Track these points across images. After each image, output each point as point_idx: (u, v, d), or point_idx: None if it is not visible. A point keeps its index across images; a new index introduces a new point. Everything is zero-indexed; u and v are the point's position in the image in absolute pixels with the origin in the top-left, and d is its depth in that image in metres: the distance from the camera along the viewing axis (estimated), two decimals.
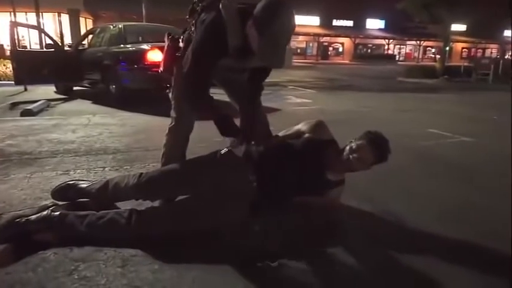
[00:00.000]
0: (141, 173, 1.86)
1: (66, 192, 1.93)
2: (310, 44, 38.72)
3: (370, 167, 1.87)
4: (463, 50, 42.74)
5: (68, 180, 2.06)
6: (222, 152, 1.86)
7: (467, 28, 34.90)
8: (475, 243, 1.79)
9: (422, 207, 2.21)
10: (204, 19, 1.72)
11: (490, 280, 1.51)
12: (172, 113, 2.03)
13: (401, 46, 42.79)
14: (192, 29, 1.85)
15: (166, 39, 2.06)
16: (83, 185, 1.95)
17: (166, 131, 2.08)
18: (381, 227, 1.96)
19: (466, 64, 16.97)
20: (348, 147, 1.87)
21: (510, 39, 30.17)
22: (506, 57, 29.46)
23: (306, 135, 2.01)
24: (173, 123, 2.04)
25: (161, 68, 2.07)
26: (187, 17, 1.91)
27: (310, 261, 1.58)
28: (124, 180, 1.85)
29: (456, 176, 2.84)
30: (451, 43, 23.00)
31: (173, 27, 6.41)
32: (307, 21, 35.64)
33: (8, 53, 10.86)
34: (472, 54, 40.68)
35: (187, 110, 1.95)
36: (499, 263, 1.64)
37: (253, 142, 1.93)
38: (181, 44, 1.96)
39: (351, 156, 1.82)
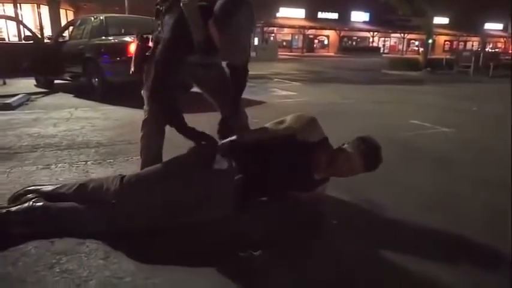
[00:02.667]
0: (122, 177, 1.72)
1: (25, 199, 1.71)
2: (296, 37, 38.72)
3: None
4: (446, 42, 43.46)
5: (26, 186, 1.88)
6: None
7: (449, 21, 35.50)
8: (455, 233, 1.83)
9: (402, 197, 2.27)
10: (169, 20, 1.76)
11: (472, 268, 1.56)
12: (145, 107, 2.06)
13: (386, 39, 43.22)
14: (159, 29, 1.89)
15: (135, 39, 2.09)
16: (47, 188, 1.79)
17: (141, 126, 2.09)
18: (362, 218, 2.00)
19: (448, 57, 17.28)
20: (341, 153, 1.82)
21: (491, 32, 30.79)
22: (486, 49, 30.11)
23: (298, 134, 1.93)
24: (147, 116, 2.06)
25: (132, 68, 2.08)
26: (153, 18, 1.95)
27: (293, 251, 1.61)
28: (103, 185, 1.70)
29: (436, 166, 2.92)
30: (434, 36, 23.31)
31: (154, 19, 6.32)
32: (292, 14, 35.66)
33: None
34: (454, 47, 41.40)
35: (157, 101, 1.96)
36: (481, 252, 1.69)
37: (235, 137, 1.95)
38: (150, 44, 2.00)
39: (343, 168, 1.81)
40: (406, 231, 1.85)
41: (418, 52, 30.75)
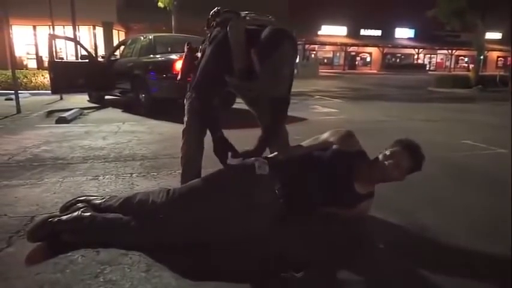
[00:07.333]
0: (168, 190, 1.75)
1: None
2: (337, 54, 38.46)
3: (404, 177, 1.81)
4: (499, 58, 41.06)
5: (77, 196, 1.93)
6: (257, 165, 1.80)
7: (502, 36, 33.61)
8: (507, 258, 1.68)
9: (452, 219, 2.11)
10: (215, 35, 1.85)
11: None
12: (185, 117, 2.11)
13: (432, 55, 41.73)
14: (207, 42, 1.97)
15: (185, 49, 2.17)
16: (96, 201, 1.83)
17: (182, 134, 2.15)
18: (409, 239, 1.88)
19: (502, 73, 16.30)
20: (381, 155, 1.82)
21: None
22: None
23: (334, 146, 1.95)
24: (185, 126, 2.11)
25: (179, 76, 2.18)
26: (205, 28, 2.02)
27: (336, 273, 1.54)
28: (149, 198, 1.72)
29: (491, 189, 2.70)
30: (486, 52, 22.13)
31: (200, 37, 6.55)
32: (334, 31, 35.56)
33: (46, 64, 11.42)
34: (509, 63, 38.98)
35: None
36: None
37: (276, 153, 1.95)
38: (198, 54, 2.07)
39: (386, 163, 1.77)
40: (456, 255, 1.71)
41: (467, 69, 29.38)
